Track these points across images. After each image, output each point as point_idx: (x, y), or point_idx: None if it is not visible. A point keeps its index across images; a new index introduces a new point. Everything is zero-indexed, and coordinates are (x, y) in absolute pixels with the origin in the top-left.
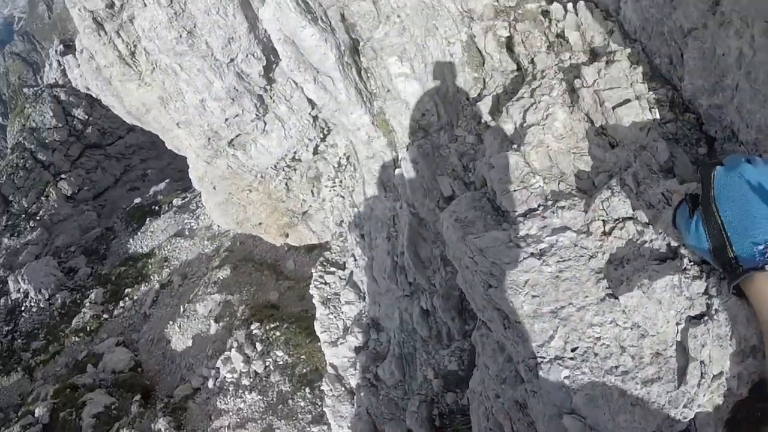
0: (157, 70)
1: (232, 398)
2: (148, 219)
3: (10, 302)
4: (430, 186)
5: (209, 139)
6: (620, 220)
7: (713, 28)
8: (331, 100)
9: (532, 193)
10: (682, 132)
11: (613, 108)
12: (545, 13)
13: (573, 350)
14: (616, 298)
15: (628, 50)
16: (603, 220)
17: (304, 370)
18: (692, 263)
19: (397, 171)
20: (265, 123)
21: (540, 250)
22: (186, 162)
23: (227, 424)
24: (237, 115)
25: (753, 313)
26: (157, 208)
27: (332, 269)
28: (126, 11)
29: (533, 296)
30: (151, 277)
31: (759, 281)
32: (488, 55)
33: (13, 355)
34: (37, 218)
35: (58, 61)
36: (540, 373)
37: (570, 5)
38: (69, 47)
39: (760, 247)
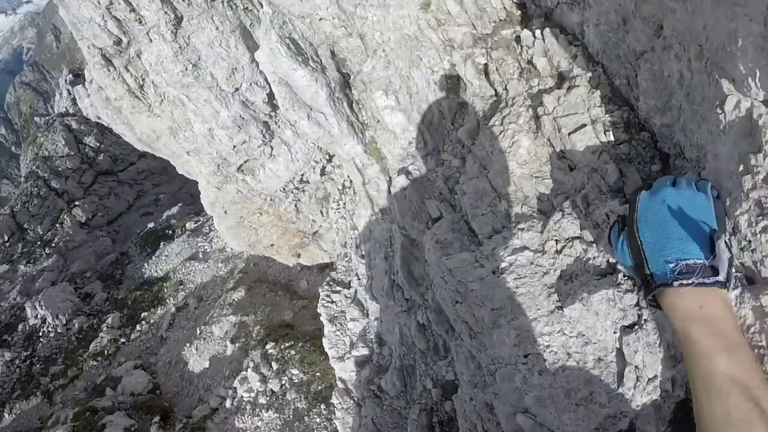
0: (166, 101)
1: (249, 417)
2: (162, 243)
3: (27, 328)
4: (419, 209)
5: (218, 165)
6: (570, 239)
7: (659, 51)
8: (325, 134)
9: (497, 216)
10: (636, 151)
11: (569, 134)
12: (518, 40)
13: (526, 356)
14: (563, 310)
15: (589, 74)
16: (555, 240)
17: (319, 387)
18: (625, 278)
19: (389, 196)
20: (272, 148)
21: (501, 268)
22: (197, 185)
23: None
24: (244, 142)
25: None
26: (170, 232)
27: (338, 288)
28: (133, 47)
29: (492, 309)
30: (167, 300)
31: (669, 295)
32: (469, 82)
33: (31, 379)
34: (53, 245)
35: (68, 90)
36: (498, 377)
37: (538, 32)
38: (78, 76)
39: (671, 265)
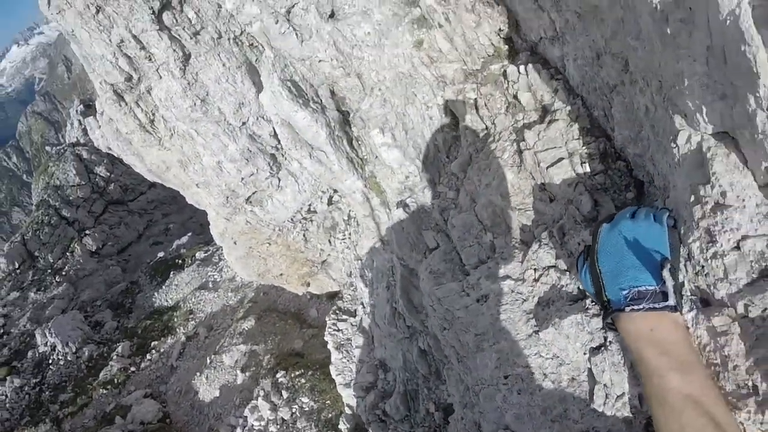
0: (176, 135)
1: None
2: (172, 272)
3: (37, 355)
4: (417, 240)
5: (227, 197)
6: (546, 268)
7: (628, 85)
8: (327, 171)
9: (483, 247)
10: (611, 181)
11: (547, 168)
12: (505, 75)
13: (506, 377)
14: (539, 334)
15: (569, 107)
16: (534, 269)
17: (330, 415)
18: (592, 303)
19: (389, 228)
20: (279, 179)
21: (484, 296)
22: (207, 215)
23: None
24: (252, 174)
25: None
26: (180, 261)
27: (344, 317)
28: (143, 83)
29: (476, 335)
30: (177, 329)
31: (623, 320)
32: (461, 117)
33: (41, 407)
34: (63, 273)
35: (79, 120)
36: (482, 397)
37: (522, 68)
38: (89, 107)
39: (624, 292)
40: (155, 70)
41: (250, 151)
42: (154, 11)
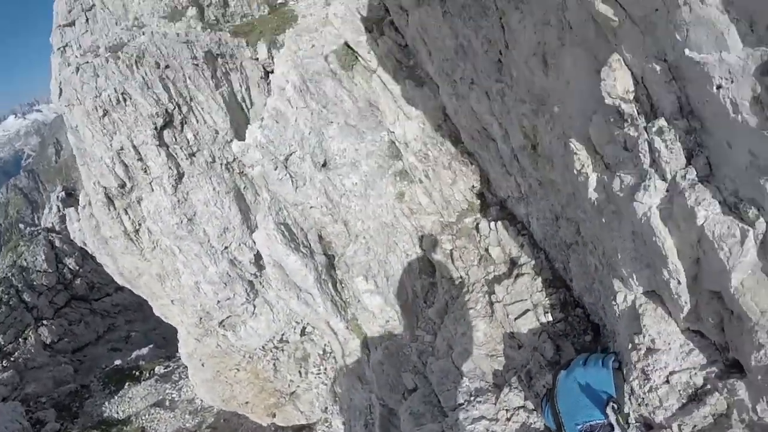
0: (158, 249)
1: None
2: (127, 383)
3: None
4: (396, 381)
5: (201, 318)
6: (516, 408)
7: (581, 245)
8: (312, 312)
9: (459, 391)
10: (571, 327)
11: (515, 319)
12: (478, 228)
13: None
14: None
15: (533, 261)
16: (506, 409)
17: None
18: None
19: (368, 369)
20: (255, 306)
21: None
22: (171, 329)
23: None
24: (229, 299)
25: None
26: (137, 373)
27: None
28: (135, 192)
29: None
30: None
31: None
32: (437, 264)
33: None
34: (11, 359)
35: (59, 207)
36: None
37: (492, 224)
38: (70, 195)
39: (579, 427)
40: (149, 183)
41: (230, 275)
42: (156, 127)
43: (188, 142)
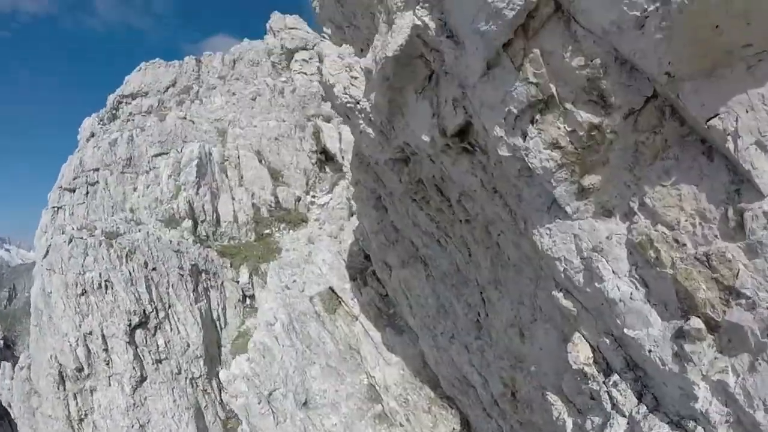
0: None
1: None
2: None
3: None
4: None
5: None
6: None
7: None
8: None
9: None
10: None
11: None
12: None
13: None
14: None
15: None
16: None
17: None
18: None
19: None
20: None
21: None
22: None
23: None
24: None
25: None
26: None
27: None
28: (91, 381)
29: None
30: None
31: None
32: None
33: None
34: None
35: None
36: None
37: None
38: (8, 348)
39: None
40: (108, 376)
41: None
42: (131, 323)
43: (158, 348)
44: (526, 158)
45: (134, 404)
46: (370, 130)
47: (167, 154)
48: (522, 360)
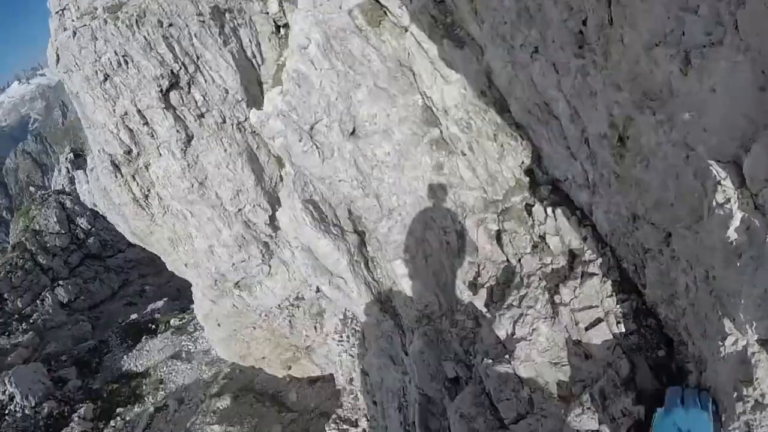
0: (169, 214)
1: None
2: (144, 337)
3: None
4: (436, 371)
5: (216, 281)
6: (589, 431)
7: (667, 257)
8: (345, 297)
9: (521, 401)
10: (644, 340)
11: (586, 329)
12: (529, 211)
13: None
14: None
15: (599, 259)
16: (577, 431)
17: None
18: None
19: (405, 355)
20: (270, 267)
21: None
22: (185, 281)
23: None
24: (244, 261)
25: None
26: (154, 326)
27: (345, 426)
28: (142, 158)
29: None
30: (146, 398)
31: None
32: (481, 247)
33: None
34: (31, 321)
35: (68, 168)
36: None
37: (550, 210)
38: (79, 156)
39: None
40: (156, 147)
41: (244, 238)
42: (162, 89)
43: (196, 103)
44: None
45: (188, 165)
46: None
47: None
48: (657, 98)
